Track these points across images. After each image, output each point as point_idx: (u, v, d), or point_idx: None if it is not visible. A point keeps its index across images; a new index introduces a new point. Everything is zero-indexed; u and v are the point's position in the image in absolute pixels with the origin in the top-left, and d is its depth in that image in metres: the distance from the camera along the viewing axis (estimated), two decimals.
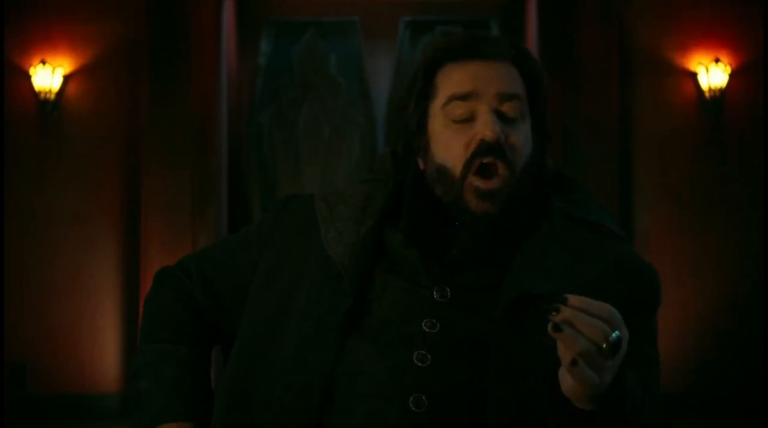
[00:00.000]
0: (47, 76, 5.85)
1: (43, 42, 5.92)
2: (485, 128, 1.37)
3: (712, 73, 5.90)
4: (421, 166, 1.46)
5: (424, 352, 1.34)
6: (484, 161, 1.38)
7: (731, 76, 5.92)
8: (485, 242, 1.40)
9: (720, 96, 5.90)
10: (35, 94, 5.87)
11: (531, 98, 1.44)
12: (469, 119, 1.40)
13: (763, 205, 5.83)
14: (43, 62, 5.87)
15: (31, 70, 5.88)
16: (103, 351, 5.87)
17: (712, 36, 5.97)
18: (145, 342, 1.53)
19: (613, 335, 1.10)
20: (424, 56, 1.46)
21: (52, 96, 5.87)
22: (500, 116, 1.40)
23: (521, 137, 1.41)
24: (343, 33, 6.90)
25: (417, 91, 1.45)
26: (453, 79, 1.42)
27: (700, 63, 5.94)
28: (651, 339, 1.42)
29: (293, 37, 6.83)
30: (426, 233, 1.41)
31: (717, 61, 5.92)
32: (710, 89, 5.90)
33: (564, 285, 1.37)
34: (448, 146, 1.41)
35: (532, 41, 6.32)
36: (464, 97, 1.40)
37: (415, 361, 1.33)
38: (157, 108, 5.82)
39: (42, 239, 5.86)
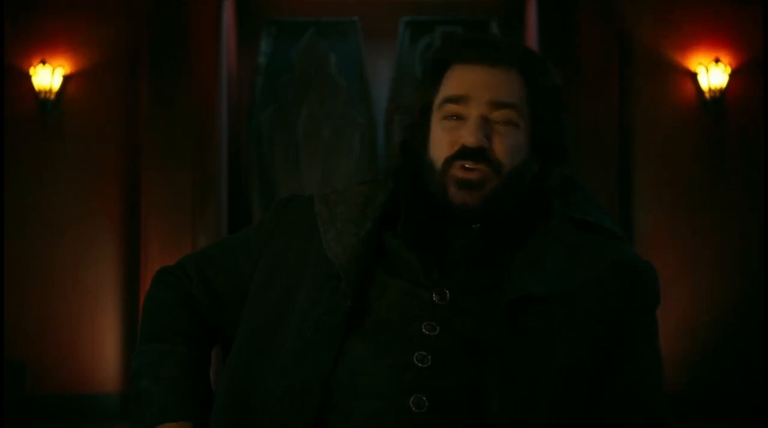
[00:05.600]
0: (47, 76, 5.85)
1: (43, 42, 5.91)
2: (468, 133, 1.40)
3: (712, 73, 5.89)
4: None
5: (424, 353, 1.34)
6: (466, 166, 1.39)
7: (731, 76, 5.92)
8: (484, 244, 1.41)
9: (720, 96, 5.90)
10: (35, 94, 5.87)
11: (534, 107, 1.44)
12: (460, 121, 1.42)
13: (763, 205, 5.83)
14: (43, 62, 5.87)
15: (31, 70, 5.87)
16: (103, 350, 5.87)
17: (712, 36, 5.97)
18: (145, 341, 1.53)
19: None
20: (433, 54, 1.49)
21: (52, 96, 5.86)
22: (489, 122, 1.41)
23: (509, 145, 1.41)
24: (343, 33, 6.90)
25: (425, 87, 1.48)
26: (453, 81, 1.44)
27: (700, 63, 5.93)
28: (651, 338, 1.42)
29: (293, 37, 6.83)
30: (425, 235, 1.42)
31: (717, 61, 5.91)
32: (710, 89, 5.90)
33: (563, 286, 1.37)
34: (437, 143, 1.44)
35: (532, 41, 6.32)
36: (457, 100, 1.43)
37: (416, 362, 1.33)
38: (157, 108, 5.81)
39: (42, 239, 5.86)
